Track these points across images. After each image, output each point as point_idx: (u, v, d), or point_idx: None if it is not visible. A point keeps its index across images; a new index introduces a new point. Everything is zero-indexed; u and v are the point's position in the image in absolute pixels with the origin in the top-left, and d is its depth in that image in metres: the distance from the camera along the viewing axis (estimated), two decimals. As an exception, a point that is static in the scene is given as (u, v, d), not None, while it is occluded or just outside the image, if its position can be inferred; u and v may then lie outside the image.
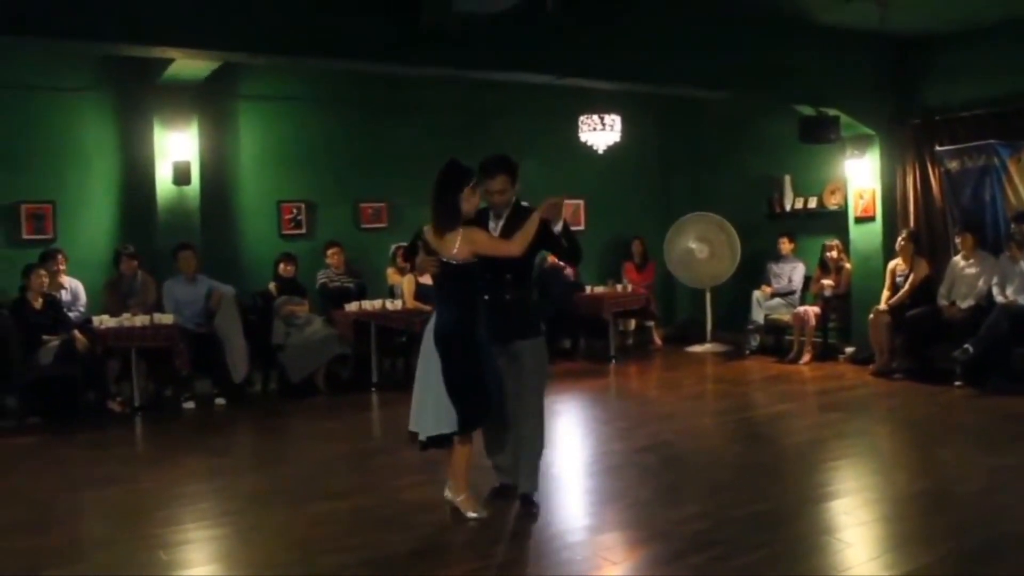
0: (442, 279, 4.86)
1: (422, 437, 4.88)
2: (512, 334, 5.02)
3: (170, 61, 8.18)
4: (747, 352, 10.89)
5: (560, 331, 10.99)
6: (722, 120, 11.70)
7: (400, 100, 10.46)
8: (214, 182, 9.55)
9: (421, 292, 9.45)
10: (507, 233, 4.96)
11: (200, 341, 8.41)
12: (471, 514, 4.91)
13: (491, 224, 5.10)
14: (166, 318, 8.25)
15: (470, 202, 4.86)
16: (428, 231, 4.88)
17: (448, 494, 5.04)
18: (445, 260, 4.78)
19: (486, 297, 4.92)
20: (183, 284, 8.70)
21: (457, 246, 4.74)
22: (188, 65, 8.30)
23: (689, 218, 11.58)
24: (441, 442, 4.87)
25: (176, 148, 9.07)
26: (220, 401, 8.48)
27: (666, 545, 4.64)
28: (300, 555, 4.55)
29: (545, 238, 4.90)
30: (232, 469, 6.45)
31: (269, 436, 7.79)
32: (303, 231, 10.22)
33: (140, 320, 8.14)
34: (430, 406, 4.81)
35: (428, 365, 4.84)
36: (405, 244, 9.92)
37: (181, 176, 9.06)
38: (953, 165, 9.57)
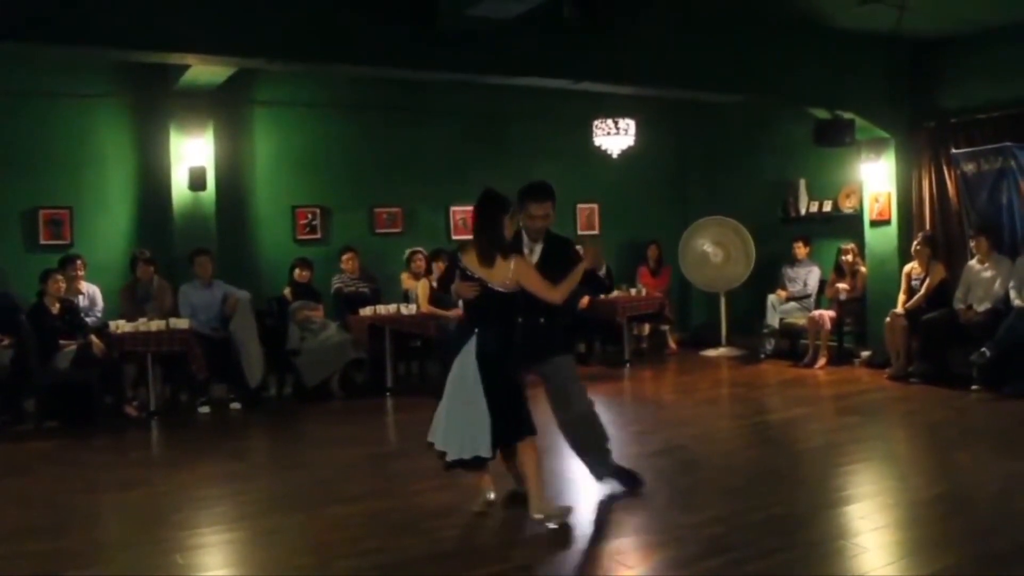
0: (486, 303, 4.90)
1: (451, 457, 4.87)
2: (546, 352, 5.21)
3: (186, 67, 8.24)
4: (762, 356, 10.85)
5: (575, 335, 10.98)
6: (737, 124, 11.69)
7: (415, 105, 10.50)
8: (230, 187, 9.61)
9: (436, 297, 9.48)
10: (546, 261, 5.10)
11: (216, 346, 8.45)
12: (563, 510, 4.97)
13: (525, 249, 5.17)
14: (182, 323, 8.29)
15: (509, 230, 4.95)
16: (468, 258, 4.93)
17: (491, 495, 5.14)
18: (491, 286, 4.85)
19: (520, 320, 4.98)
20: (199, 289, 8.74)
21: (510, 276, 4.82)
22: (204, 71, 8.35)
23: (704, 222, 11.56)
24: (476, 464, 4.91)
25: (192, 154, 9.13)
26: (235, 406, 8.52)
27: (681, 549, 4.63)
28: (316, 559, 4.56)
29: (583, 280, 5.12)
30: (248, 473, 6.47)
31: (285, 440, 7.81)
32: (318, 236, 10.26)
33: (156, 325, 8.19)
34: (465, 427, 4.81)
35: (464, 386, 4.83)
36: (420, 249, 10.02)
37: (197, 182, 9.11)
38: (969, 168, 9.52)
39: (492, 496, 5.13)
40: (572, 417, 5.35)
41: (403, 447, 7.48)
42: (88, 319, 8.45)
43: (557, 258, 5.11)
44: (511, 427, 4.85)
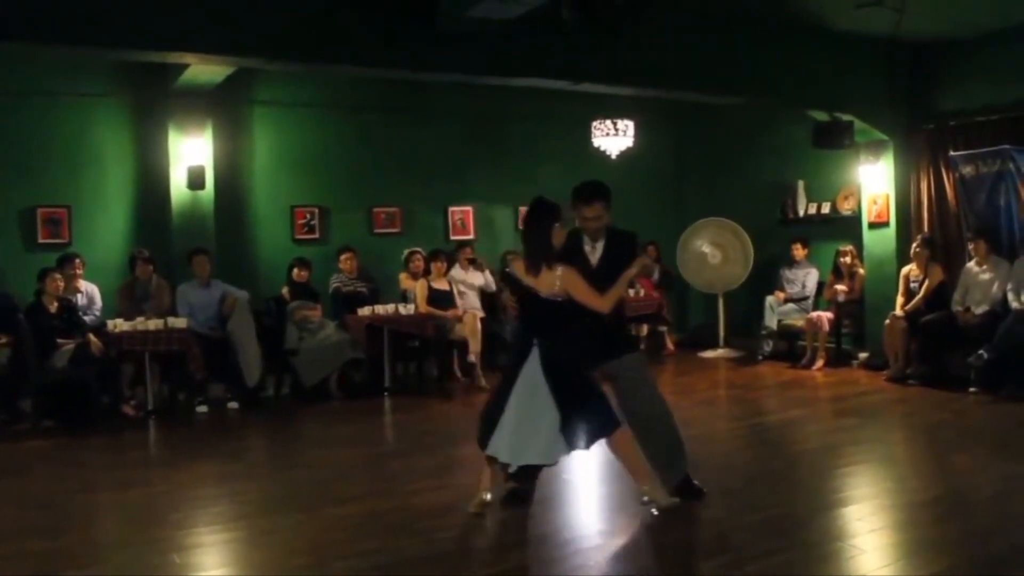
0: (538, 311, 4.94)
1: (518, 463, 4.90)
2: (615, 352, 5.17)
3: (185, 66, 8.23)
4: (760, 358, 10.85)
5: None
6: (736, 126, 11.69)
7: (414, 105, 10.50)
8: (228, 187, 9.60)
9: (434, 297, 9.49)
10: (606, 261, 5.10)
11: (214, 345, 8.44)
12: (670, 501, 5.00)
13: (586, 248, 5.17)
14: (180, 322, 8.29)
15: (559, 236, 4.97)
16: (517, 265, 4.98)
17: (645, 496, 5.08)
18: (542, 295, 4.88)
19: (587, 320, 4.96)
20: (197, 288, 8.74)
21: (557, 286, 4.85)
22: (203, 71, 8.35)
23: (702, 223, 11.56)
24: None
25: (191, 153, 9.12)
26: (233, 405, 8.51)
27: (678, 551, 4.64)
28: (313, 559, 4.55)
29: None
30: (245, 473, 6.46)
31: (282, 440, 7.81)
32: (316, 236, 10.25)
33: (154, 324, 8.17)
34: (541, 434, 4.82)
35: (534, 397, 4.84)
36: (418, 249, 10.02)
37: (195, 181, 9.11)
38: (967, 170, 9.53)
39: (488, 497, 5.12)
40: (639, 419, 5.18)
41: (401, 447, 7.49)
42: (86, 318, 8.45)
43: (619, 255, 5.06)
44: (600, 424, 4.87)
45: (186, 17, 6.76)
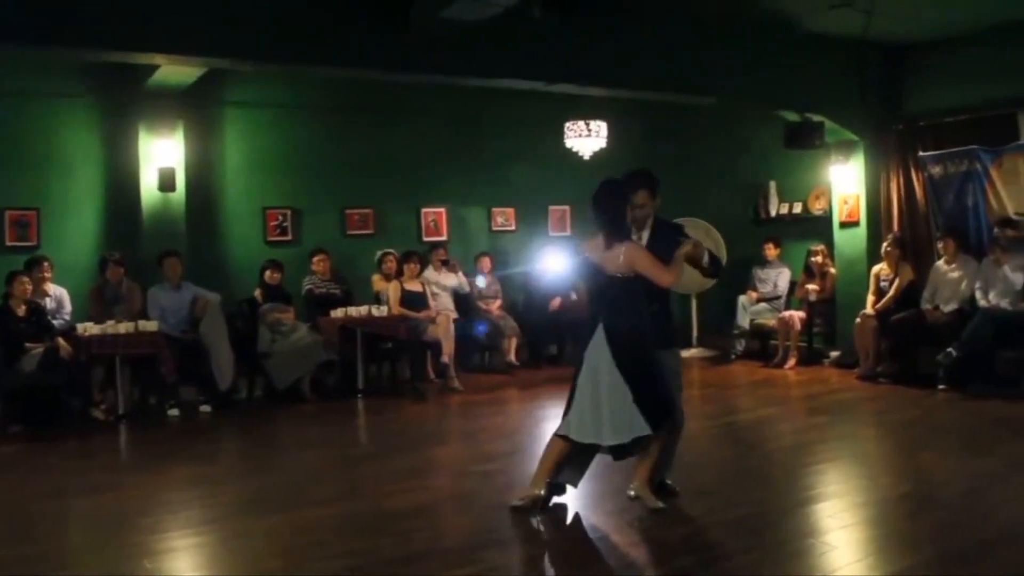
0: (605, 290, 5.02)
1: (609, 443, 4.93)
2: (667, 341, 5.26)
3: (155, 67, 8.16)
4: (733, 357, 10.91)
5: (546, 336, 11.01)
6: (708, 126, 11.74)
7: (387, 106, 10.47)
8: (199, 189, 9.53)
9: (407, 298, 9.48)
10: (652, 249, 5.11)
11: (185, 348, 8.38)
12: (658, 505, 5.02)
13: (633, 237, 5.19)
14: (151, 325, 8.22)
15: (631, 215, 5.09)
16: (591, 245, 5.07)
17: (540, 491, 5.13)
18: (610, 274, 4.95)
19: (647, 304, 5.04)
20: (168, 291, 8.67)
21: (621, 260, 4.91)
22: (174, 71, 8.28)
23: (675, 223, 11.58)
24: (629, 449, 4.98)
25: (161, 154, 9.04)
26: (205, 409, 8.45)
27: (652, 549, 4.66)
28: (285, 562, 4.53)
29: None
30: (217, 477, 6.41)
31: (255, 443, 7.76)
32: (289, 238, 10.20)
33: (124, 327, 8.09)
34: (607, 417, 4.89)
35: (600, 376, 4.92)
36: (391, 250, 10.00)
37: (166, 183, 9.03)
38: (936, 170, 9.65)
39: (541, 492, 5.13)
40: None
41: (374, 449, 7.46)
42: (55, 322, 8.35)
43: (665, 242, 5.09)
44: (656, 411, 4.91)
45: (156, 17, 6.72)
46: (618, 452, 5.02)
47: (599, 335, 4.96)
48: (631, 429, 4.87)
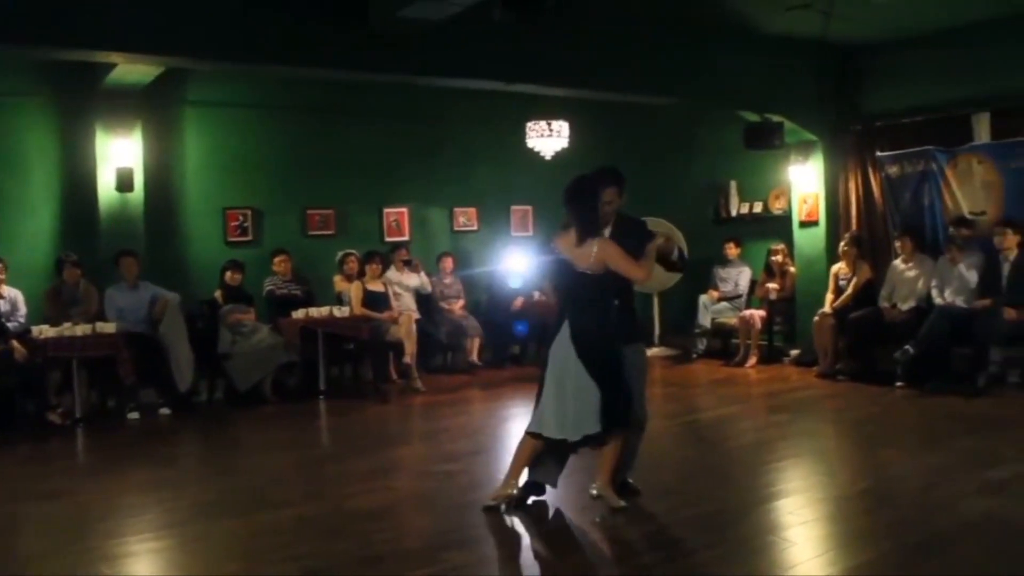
0: (573, 286, 5.03)
1: (572, 438, 4.95)
2: (632, 337, 5.27)
3: (113, 66, 8.05)
4: (694, 356, 10.99)
5: (509, 336, 11.01)
6: (669, 127, 11.81)
7: (348, 106, 10.41)
8: (158, 189, 9.41)
9: (369, 299, 9.44)
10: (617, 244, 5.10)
11: (145, 350, 8.25)
12: (619, 504, 5.04)
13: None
14: (108, 327, 8.10)
15: (604, 210, 5.11)
16: (562, 240, 5.06)
17: (515, 491, 5.16)
18: (580, 270, 4.95)
19: (614, 300, 5.06)
20: (125, 291, 8.56)
21: (594, 255, 4.91)
22: (131, 70, 8.17)
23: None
24: (592, 440, 5.01)
25: (119, 154, 8.92)
26: (164, 411, 8.35)
27: (614, 547, 4.67)
28: (245, 566, 4.49)
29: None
30: (177, 480, 6.34)
31: (215, 446, 7.68)
32: (250, 238, 10.10)
33: (81, 329, 7.98)
34: (571, 412, 4.90)
35: (567, 372, 4.93)
36: (353, 251, 9.95)
37: (124, 183, 8.91)
38: (893, 170, 9.79)
39: (513, 492, 5.16)
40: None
41: (336, 451, 7.42)
42: (9, 324, 8.20)
43: (629, 240, 5.09)
44: (615, 412, 4.92)
45: (113, 15, 6.62)
46: (574, 447, 5.06)
47: (565, 331, 4.98)
48: (584, 427, 4.91)
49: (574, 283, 5.03)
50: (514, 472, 5.18)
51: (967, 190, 9.20)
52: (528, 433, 5.12)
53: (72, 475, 6.62)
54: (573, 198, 5.07)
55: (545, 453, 5.16)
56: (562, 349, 4.97)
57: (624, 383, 5.01)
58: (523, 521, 5.07)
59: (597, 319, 4.98)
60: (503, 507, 5.10)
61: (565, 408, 4.94)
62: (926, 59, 9.54)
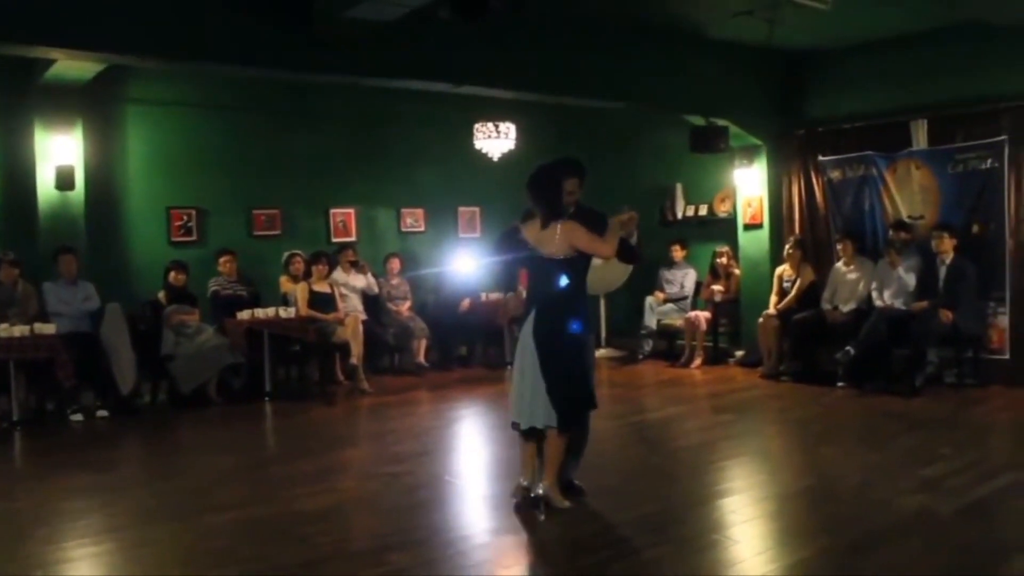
0: (542, 276, 5.06)
1: (523, 426, 5.06)
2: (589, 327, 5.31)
3: (52, 61, 7.89)
4: (640, 357, 11.07)
5: (456, 338, 11.01)
6: (616, 129, 11.89)
7: (294, 106, 10.35)
8: (100, 187, 9.25)
9: (315, 300, 9.37)
10: None
11: (84, 348, 8.09)
12: (563, 504, 5.07)
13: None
14: (47, 327, 7.94)
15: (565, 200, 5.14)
16: (528, 228, 5.09)
17: (525, 482, 5.18)
18: (547, 256, 4.97)
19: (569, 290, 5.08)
20: (64, 286, 8.41)
21: (557, 238, 4.94)
22: (72, 66, 8.00)
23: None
24: (533, 433, 5.09)
25: (59, 151, 8.73)
26: (103, 414, 8.19)
27: (557, 548, 4.70)
28: (188, 570, 4.44)
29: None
30: (118, 484, 6.23)
31: (158, 449, 7.56)
32: (194, 238, 9.98)
33: (19, 331, 7.80)
34: (527, 400, 4.99)
35: (524, 361, 5.01)
36: (299, 252, 9.88)
37: (64, 181, 8.73)
38: (835, 175, 9.97)
39: (526, 483, 5.20)
40: None
41: (281, 453, 7.36)
42: (-56, 325, 8.01)
43: (589, 226, 5.09)
44: (572, 404, 4.99)
45: (52, 9, 6.49)
46: (529, 433, 5.12)
47: (529, 322, 5.05)
48: (534, 419, 4.99)
49: (541, 272, 5.08)
50: (527, 465, 5.22)
51: (906, 195, 9.41)
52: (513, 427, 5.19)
53: (7, 479, 6.48)
54: (537, 184, 5.11)
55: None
56: (525, 338, 5.05)
57: (583, 380, 5.06)
58: (468, 522, 5.07)
59: (563, 308, 5.02)
60: (541, 517, 5.04)
61: (523, 395, 5.03)
62: (867, 67, 9.75)
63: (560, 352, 4.99)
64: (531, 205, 5.16)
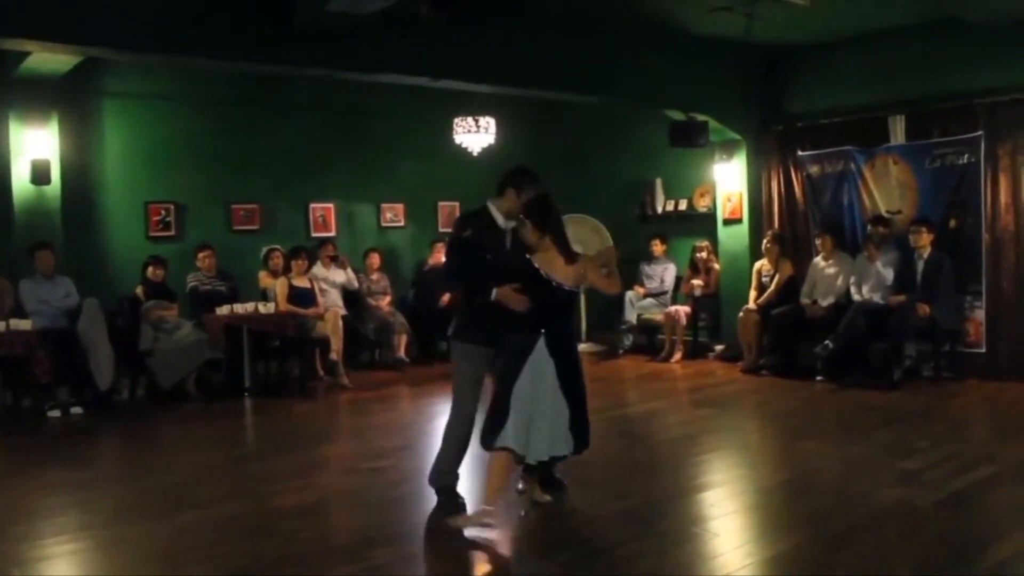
0: (551, 303, 4.87)
1: (531, 460, 4.81)
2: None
3: (27, 54, 7.80)
4: (621, 352, 11.10)
5: (437, 334, 10.97)
6: (596, 124, 11.90)
7: (274, 100, 10.29)
8: (77, 182, 9.15)
9: (294, 295, 9.33)
10: (518, 247, 5.07)
11: (61, 344, 8.02)
12: (544, 499, 5.11)
13: (506, 225, 5.23)
14: (23, 323, 7.86)
15: (508, 208, 5.16)
16: (543, 259, 4.89)
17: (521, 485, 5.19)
18: (568, 288, 4.88)
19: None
20: (42, 282, 8.33)
21: (577, 273, 4.91)
22: (47, 59, 7.91)
23: (564, 219, 11.67)
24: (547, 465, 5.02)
25: (35, 145, 8.64)
26: (77, 411, 8.09)
27: (539, 542, 4.70)
28: (165, 567, 4.41)
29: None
30: (96, 480, 6.19)
31: (137, 445, 7.50)
32: (172, 233, 9.90)
33: (-6, 326, 7.74)
34: (546, 429, 4.76)
35: (541, 385, 4.76)
36: (278, 247, 9.83)
37: (40, 175, 8.63)
38: (814, 170, 10.02)
39: (522, 487, 5.19)
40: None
41: (261, 448, 7.33)
42: (-82, 321, 7.92)
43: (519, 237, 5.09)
44: (583, 431, 4.92)
45: (26, 0, 6.41)
46: (533, 467, 4.96)
47: (543, 346, 4.76)
48: (555, 447, 4.82)
49: (542, 292, 4.84)
50: (494, 489, 4.82)
51: (884, 190, 9.46)
52: (497, 449, 4.78)
53: (-16, 477, 6.42)
54: (549, 216, 4.98)
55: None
56: (540, 364, 4.75)
57: (584, 396, 4.98)
58: (445, 519, 5.06)
59: (568, 329, 5.03)
60: (523, 512, 5.02)
61: (540, 426, 4.74)
62: (846, 62, 9.79)
63: (579, 365, 4.97)
64: (532, 221, 4.94)
